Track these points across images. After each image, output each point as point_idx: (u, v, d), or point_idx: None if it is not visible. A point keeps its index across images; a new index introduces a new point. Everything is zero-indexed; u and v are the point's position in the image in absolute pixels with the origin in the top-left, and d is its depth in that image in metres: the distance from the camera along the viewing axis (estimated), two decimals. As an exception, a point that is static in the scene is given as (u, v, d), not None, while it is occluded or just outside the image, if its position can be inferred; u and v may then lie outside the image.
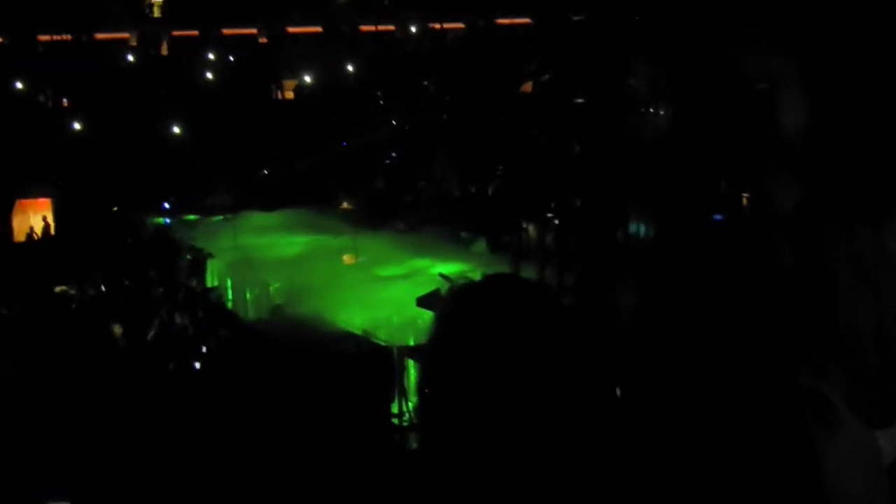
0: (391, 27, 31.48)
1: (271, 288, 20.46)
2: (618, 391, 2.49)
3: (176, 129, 30.36)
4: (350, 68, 30.99)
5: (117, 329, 17.70)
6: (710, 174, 17.20)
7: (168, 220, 26.51)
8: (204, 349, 17.02)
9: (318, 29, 32.33)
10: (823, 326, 3.21)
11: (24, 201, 27.56)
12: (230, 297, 21.03)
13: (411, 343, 15.42)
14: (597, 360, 2.42)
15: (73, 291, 20.57)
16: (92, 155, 28.65)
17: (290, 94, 32.20)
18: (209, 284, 20.96)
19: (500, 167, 24.24)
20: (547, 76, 23.58)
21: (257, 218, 26.03)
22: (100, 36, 32.96)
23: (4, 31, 31.50)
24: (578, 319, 2.48)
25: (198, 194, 28.38)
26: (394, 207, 26.25)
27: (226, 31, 33.27)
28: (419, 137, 27.70)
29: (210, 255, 21.94)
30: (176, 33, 33.62)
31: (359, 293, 18.68)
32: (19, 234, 26.87)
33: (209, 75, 32.22)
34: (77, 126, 30.31)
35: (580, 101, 20.82)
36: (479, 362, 2.42)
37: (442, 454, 2.42)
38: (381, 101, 29.06)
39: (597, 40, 20.79)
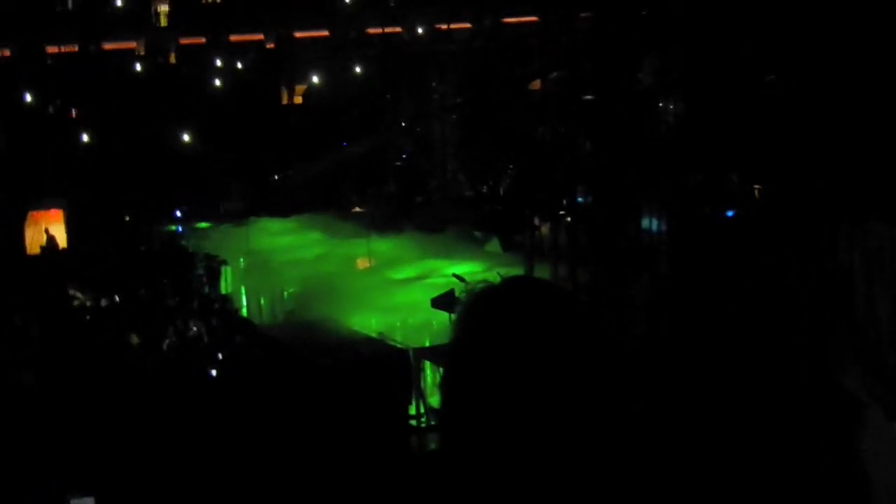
0: (398, 29, 31.45)
1: (285, 293, 20.48)
2: (638, 390, 2.47)
3: (186, 137, 30.37)
4: (358, 71, 30.97)
5: (133, 338, 17.74)
6: (722, 169, 17.16)
7: (181, 228, 26.53)
8: (220, 356, 17.04)
9: (325, 33, 32.31)
10: (842, 321, 3.21)
11: (36, 213, 27.58)
12: (245, 303, 21.06)
13: (427, 344, 15.44)
14: (616, 360, 2.40)
15: (88, 302, 20.58)
16: (103, 165, 28.69)
17: (299, 99, 32.19)
18: (223, 291, 20.96)
19: (511, 166, 24.24)
20: (555, 74, 23.54)
21: (270, 223, 26.08)
22: (107, 46, 32.96)
23: (12, 44, 31.57)
24: (596, 319, 2.47)
25: (210, 201, 28.42)
26: (406, 209, 26.27)
27: (233, 38, 33.25)
28: (429, 138, 27.72)
29: (224, 262, 21.96)
30: (183, 41, 33.60)
31: (373, 296, 18.71)
32: (33, 246, 26.88)
33: (218, 82, 32.22)
34: (87, 136, 30.34)
35: (589, 97, 20.77)
36: (498, 365, 2.41)
37: (462, 456, 2.41)
38: (391, 103, 29.04)
39: (605, 36, 20.75)
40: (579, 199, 19.34)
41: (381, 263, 21.31)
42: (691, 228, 15.01)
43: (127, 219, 26.88)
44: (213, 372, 16.57)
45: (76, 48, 32.13)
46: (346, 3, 32.27)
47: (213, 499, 11.90)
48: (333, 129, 30.12)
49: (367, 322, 17.18)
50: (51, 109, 31.49)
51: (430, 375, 14.96)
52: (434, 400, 14.22)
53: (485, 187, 25.28)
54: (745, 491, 2.48)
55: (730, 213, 15.29)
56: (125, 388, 14.73)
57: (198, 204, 28.16)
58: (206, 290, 20.79)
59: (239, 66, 32.92)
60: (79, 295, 20.44)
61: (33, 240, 27.08)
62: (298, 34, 32.39)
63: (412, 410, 14.60)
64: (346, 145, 28.88)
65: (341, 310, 17.40)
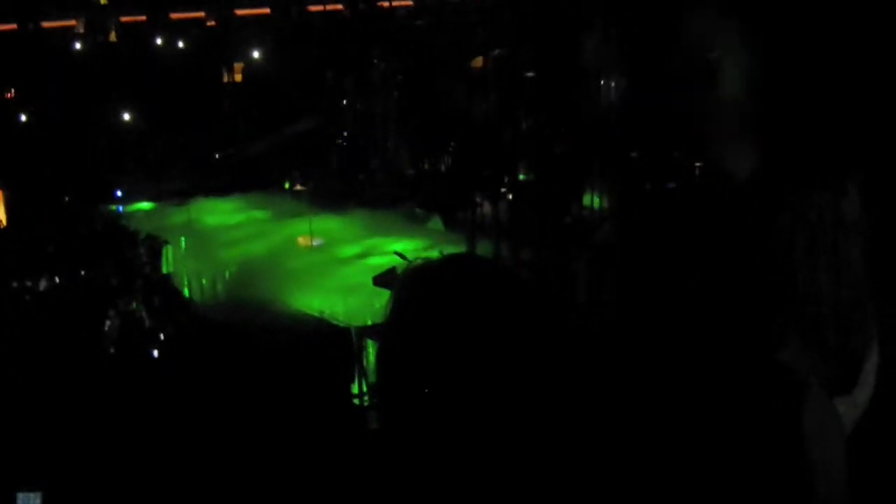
0: (339, 6, 31.32)
1: (227, 272, 20.39)
2: (586, 369, 2.45)
3: (126, 117, 30.15)
4: (299, 49, 30.85)
5: (74, 320, 17.61)
6: (662, 144, 17.21)
7: (121, 209, 26.35)
8: (161, 336, 16.95)
9: (266, 10, 32.15)
10: (784, 296, 3.18)
11: (-28, 194, 27.33)
12: (186, 283, 20.94)
13: (369, 323, 15.42)
14: (559, 339, 2.38)
15: (26, 284, 20.40)
16: (42, 146, 28.45)
17: (239, 77, 32.02)
18: (165, 271, 20.84)
19: (453, 143, 24.21)
20: (497, 51, 23.54)
21: (212, 203, 25.92)
22: (46, 24, 32.64)
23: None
24: (535, 293, 2.45)
25: (151, 181, 28.24)
26: (348, 188, 26.22)
27: (174, 16, 33.01)
28: (371, 116, 27.65)
29: (165, 242, 21.82)
30: (124, 19, 33.32)
31: (315, 274, 18.68)
32: (-31, 228, 26.64)
33: (158, 61, 32.00)
34: (25, 117, 30.06)
35: (530, 74, 20.79)
36: (433, 342, 2.39)
37: (402, 435, 2.39)
38: (332, 82, 28.93)
39: (547, 13, 20.75)
40: (521, 177, 19.39)
41: (322, 241, 21.26)
42: (631, 203, 15.05)
43: (67, 199, 26.64)
44: (155, 352, 16.47)
45: (14, 26, 31.80)
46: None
47: (158, 483, 11.83)
48: (274, 107, 29.99)
49: (308, 301, 17.14)
50: (-13, 89, 31.18)
51: (373, 354, 14.95)
52: (374, 378, 14.21)
53: (426, 165, 25.25)
54: (686, 470, 2.47)
55: (669, 186, 15.36)
56: (65, 372, 14.60)
57: (139, 184, 27.98)
58: (148, 270, 20.67)
59: (180, 44, 32.70)
60: (15, 280, 20.25)
61: (-30, 221, 26.84)
62: (239, 12, 32.23)
63: (355, 389, 14.58)
64: (288, 123, 28.76)
65: (283, 289, 17.37)
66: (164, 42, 32.68)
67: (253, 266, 19.37)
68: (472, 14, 27.62)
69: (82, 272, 20.75)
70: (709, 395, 2.55)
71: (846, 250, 3.50)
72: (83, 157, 27.77)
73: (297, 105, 29.55)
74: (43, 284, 20.15)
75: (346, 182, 26.40)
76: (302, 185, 26.39)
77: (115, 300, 18.49)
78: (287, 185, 26.70)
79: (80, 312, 17.92)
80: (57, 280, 20.40)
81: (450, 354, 2.47)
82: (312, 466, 9.80)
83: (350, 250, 20.38)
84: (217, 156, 29.84)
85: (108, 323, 17.69)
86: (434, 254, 2.76)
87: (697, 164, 16.70)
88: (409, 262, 2.81)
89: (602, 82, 19.71)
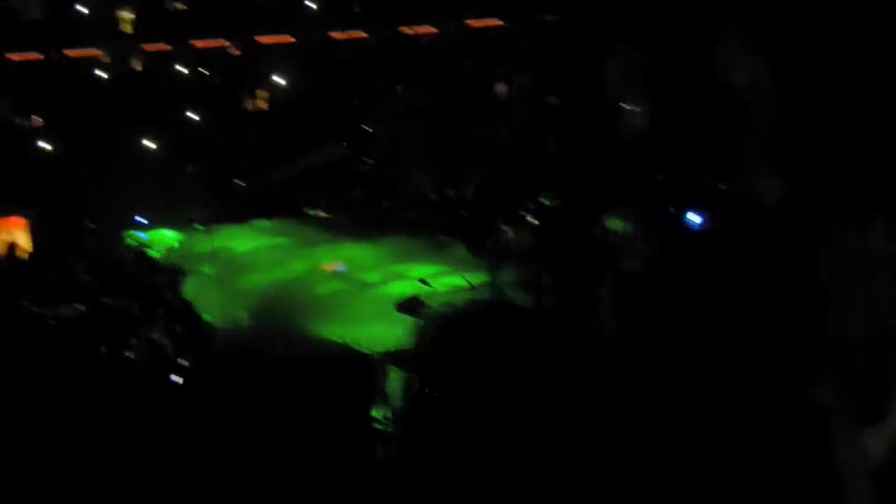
0: (363, 34, 31.38)
1: (249, 299, 20.37)
2: (613, 402, 2.42)
3: (151, 144, 30.29)
4: (323, 76, 30.92)
5: (97, 347, 17.64)
6: (690, 170, 17.15)
7: (144, 235, 26.44)
8: (182, 363, 16.95)
9: (290, 38, 32.23)
10: (816, 327, 3.12)
11: (-2, 220, 27.48)
12: (208, 309, 20.95)
13: (391, 349, 15.35)
14: (582, 383, 2.35)
15: (50, 312, 20.46)
16: (66, 173, 28.60)
17: (264, 105, 32.12)
18: (187, 297, 20.88)
19: (477, 170, 24.23)
20: (520, 77, 23.57)
21: (234, 230, 25.98)
22: (71, 53, 32.82)
23: (-25, 52, 31.39)
24: (558, 340, 2.43)
25: (174, 208, 28.33)
26: (372, 214, 26.25)
27: (198, 44, 33.13)
28: (395, 143, 27.71)
29: (188, 269, 21.86)
30: (148, 48, 33.47)
31: (337, 300, 18.69)
32: (-7, 254, 26.77)
33: (182, 89, 32.14)
34: (51, 144, 30.23)
35: (554, 100, 20.79)
36: (465, 386, 2.37)
37: (423, 465, 2.36)
38: (356, 108, 29.01)
39: (570, 40, 20.75)
40: (545, 203, 19.37)
41: (346, 267, 21.28)
42: (658, 230, 14.98)
43: (90, 226, 26.78)
44: (176, 379, 16.44)
45: (40, 56, 31.99)
46: (310, 8, 32.18)
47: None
48: (298, 134, 30.08)
49: (331, 327, 17.11)
50: (14, 118, 31.36)
51: (394, 380, 14.85)
52: (397, 405, 14.11)
53: (450, 192, 25.29)
54: (715, 499, 2.41)
55: (697, 215, 15.27)
56: (86, 397, 14.58)
57: (162, 211, 28.07)
58: (170, 297, 20.73)
59: (204, 72, 32.84)
60: (35, 307, 20.33)
61: (-5, 247, 26.96)
62: (262, 39, 32.30)
63: (375, 415, 14.50)
64: (311, 150, 28.83)
65: (305, 315, 17.33)
66: (188, 70, 32.82)
67: (275, 292, 19.37)
68: (495, 40, 27.65)
69: (106, 299, 20.82)
70: (737, 426, 2.48)
71: (878, 281, 3.44)
72: (107, 185, 27.88)
73: (320, 132, 29.62)
74: (67, 311, 20.20)
75: (369, 208, 26.46)
76: (325, 211, 26.46)
77: (136, 327, 18.53)
78: (310, 212, 26.77)
79: (103, 339, 17.95)
80: (81, 307, 20.45)
81: (476, 395, 2.45)
82: (329, 489, 9.74)
83: (373, 276, 20.40)
84: (240, 183, 29.93)
85: (130, 350, 17.72)
86: (458, 280, 2.72)
87: (723, 187, 16.62)
88: (432, 288, 2.76)
89: (626, 107, 19.67)
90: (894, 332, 3.31)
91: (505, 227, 19.96)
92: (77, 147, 29.46)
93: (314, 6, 31.96)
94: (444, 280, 16.99)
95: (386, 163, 28.10)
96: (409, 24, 29.88)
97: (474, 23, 28.86)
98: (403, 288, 17.22)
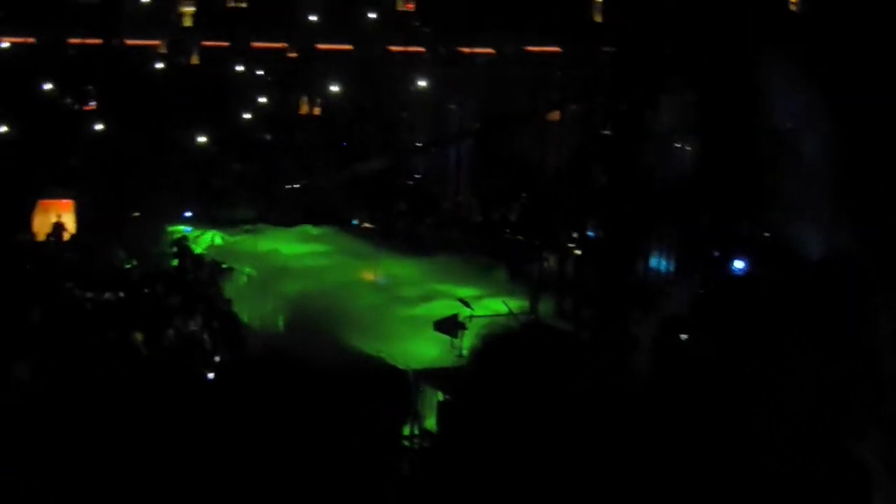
0: (421, 49, 31.47)
1: (289, 302, 20.45)
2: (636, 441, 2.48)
3: (202, 139, 30.44)
4: (378, 88, 31.02)
5: (134, 336, 17.71)
6: (732, 214, 17.17)
7: (189, 230, 26.54)
8: (217, 360, 17.03)
9: (348, 47, 32.33)
10: (866, 382, 3.19)
11: (46, 201, 27.62)
12: (247, 309, 21.04)
13: (427, 366, 15.43)
14: (614, 411, 2.42)
15: (90, 295, 20.56)
16: (116, 159, 28.73)
17: (317, 111, 32.23)
18: (227, 296, 20.96)
19: (524, 195, 24.26)
20: (574, 106, 23.60)
21: (278, 232, 26.07)
22: (130, 42, 32.97)
23: (35, 32, 31.56)
24: (601, 367, 2.50)
25: (220, 206, 28.44)
26: (415, 230, 26.29)
27: (255, 45, 33.25)
28: (443, 161, 27.77)
29: (230, 268, 21.97)
30: (205, 43, 33.59)
31: (376, 313, 18.70)
32: (40, 234, 26.93)
33: (237, 87, 32.29)
34: (102, 129, 30.39)
35: (607, 132, 20.81)
36: (507, 410, 2.44)
37: (456, 481, 2.43)
38: (408, 123, 29.10)
39: (626, 73, 20.79)
40: (590, 234, 19.38)
41: (386, 280, 21.31)
42: (701, 273, 15.01)
43: (136, 215, 26.91)
44: (210, 375, 16.54)
45: (99, 41, 32.13)
46: (370, 19, 32.30)
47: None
48: (348, 143, 30.17)
49: (368, 339, 17.16)
50: (68, 100, 31.53)
51: (429, 398, 14.94)
52: (430, 423, 14.21)
53: (495, 214, 25.31)
54: None
55: (742, 262, 15.29)
56: (120, 386, 14.66)
57: (208, 207, 28.18)
58: (211, 293, 20.81)
59: (260, 72, 32.96)
60: (78, 290, 20.43)
61: (41, 228, 27.13)
62: (321, 46, 32.39)
63: (406, 431, 14.57)
64: (360, 160, 28.90)
65: (343, 324, 17.39)
66: (245, 69, 32.95)
67: (315, 298, 19.41)
68: (551, 67, 27.69)
69: (145, 289, 20.90)
70: (778, 477, 2.58)
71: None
72: (155, 176, 28.00)
73: (370, 142, 29.73)
74: (107, 296, 20.30)
75: (413, 223, 26.50)
76: (370, 223, 26.52)
77: (174, 319, 18.60)
78: (355, 222, 26.84)
79: (140, 328, 18.02)
80: (120, 294, 20.55)
81: (514, 422, 2.54)
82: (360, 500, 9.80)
83: (412, 292, 20.40)
84: (288, 187, 30.02)
85: (165, 340, 17.80)
86: (498, 305, 2.83)
87: (767, 235, 16.64)
88: (472, 311, 2.87)
89: (676, 145, 19.71)
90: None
91: (547, 255, 19.98)
92: (127, 135, 29.58)
93: (375, 17, 32.09)
94: (484, 303, 17.00)
95: (432, 179, 28.19)
96: (467, 43, 29.99)
97: (532, 48, 28.94)
98: (443, 307, 17.22)
